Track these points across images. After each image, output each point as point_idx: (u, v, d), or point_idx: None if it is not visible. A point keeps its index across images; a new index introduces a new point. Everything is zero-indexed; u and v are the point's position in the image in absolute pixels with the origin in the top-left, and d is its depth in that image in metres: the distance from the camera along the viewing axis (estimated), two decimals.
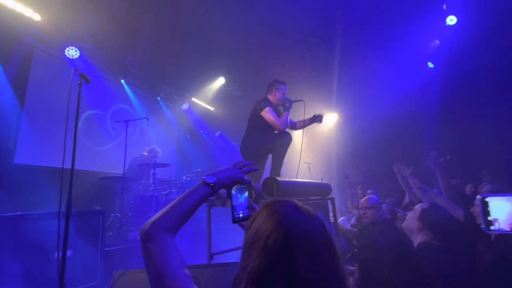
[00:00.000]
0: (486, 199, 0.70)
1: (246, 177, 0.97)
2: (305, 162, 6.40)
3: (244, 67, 6.59)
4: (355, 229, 3.25)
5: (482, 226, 0.70)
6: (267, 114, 2.85)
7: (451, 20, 5.39)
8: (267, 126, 2.89)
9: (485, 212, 0.70)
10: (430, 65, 6.49)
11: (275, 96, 3.06)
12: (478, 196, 0.71)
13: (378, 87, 6.97)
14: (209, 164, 7.16)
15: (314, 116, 3.14)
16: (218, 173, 0.94)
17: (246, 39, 5.52)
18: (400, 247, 1.66)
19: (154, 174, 4.82)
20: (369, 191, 4.15)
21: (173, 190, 5.01)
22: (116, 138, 5.86)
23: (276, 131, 2.94)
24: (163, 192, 4.88)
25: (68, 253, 2.50)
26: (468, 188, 4.73)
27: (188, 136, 6.84)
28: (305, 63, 6.25)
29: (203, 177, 0.87)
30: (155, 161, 4.70)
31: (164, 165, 4.81)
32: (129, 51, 5.89)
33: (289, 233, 0.60)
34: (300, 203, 0.68)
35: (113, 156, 5.53)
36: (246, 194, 0.95)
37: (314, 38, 5.96)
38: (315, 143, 8.08)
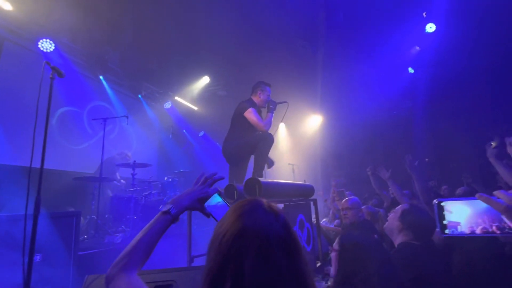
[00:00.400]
0: (442, 204, 0.75)
1: (211, 189, 0.99)
2: (289, 164, 6.55)
3: (229, 67, 6.57)
4: (339, 228, 3.30)
5: (437, 229, 0.73)
6: (250, 115, 2.88)
7: (430, 27, 5.65)
8: (250, 127, 2.92)
9: (441, 216, 0.74)
10: (411, 70, 6.73)
11: (259, 97, 3.09)
12: (434, 201, 0.74)
13: (361, 90, 7.16)
14: (192, 165, 7.12)
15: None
16: (177, 199, 0.96)
17: (232, 39, 5.51)
18: (380, 247, 1.70)
19: (133, 175, 4.69)
20: (347, 192, 4.23)
21: (153, 191, 4.93)
22: (93, 136, 5.69)
23: (258, 132, 2.96)
24: (143, 193, 4.79)
25: (37, 257, 2.37)
26: (443, 189, 4.93)
27: (171, 135, 6.76)
28: (290, 64, 6.33)
29: (160, 207, 0.89)
30: (134, 161, 4.58)
31: (144, 165, 4.70)
32: (108, 46, 5.70)
33: (243, 231, 0.58)
34: (267, 202, 0.66)
35: (89, 155, 5.39)
36: (220, 200, 0.94)
37: (298, 39, 6.04)
38: (300, 144, 8.24)
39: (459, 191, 4.01)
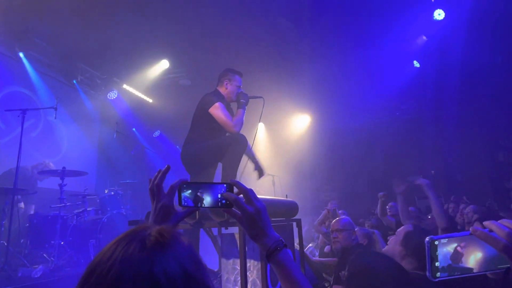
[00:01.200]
0: (436, 242, 0.76)
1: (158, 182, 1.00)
2: (268, 174, 6.52)
3: (196, 50, 6.50)
4: (333, 259, 3.32)
5: (428, 274, 0.76)
6: (217, 111, 2.89)
7: (439, 14, 5.89)
8: (217, 127, 2.94)
9: (433, 257, 0.76)
10: (416, 64, 6.97)
11: (226, 88, 3.12)
12: (426, 239, 0.77)
13: (358, 86, 7.36)
14: (142, 174, 6.95)
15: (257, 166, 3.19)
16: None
17: (201, 16, 5.53)
18: (400, 270, 1.70)
19: (61, 186, 4.48)
20: (339, 211, 4.34)
21: (89, 208, 4.84)
22: (7, 134, 5.56)
23: (227, 133, 2.99)
24: (75, 211, 4.73)
25: None
26: (450, 207, 5.19)
27: (115, 135, 6.55)
28: (271, 50, 6.36)
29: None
30: (64, 168, 4.40)
31: (77, 173, 4.62)
32: (34, 14, 5.41)
33: (89, 275, 0.55)
34: (162, 231, 0.62)
35: (1, 159, 5.24)
36: (188, 191, 0.97)
37: (282, 20, 6.09)
38: (282, 150, 8.35)
39: (468, 209, 4.19)
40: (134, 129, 7.81)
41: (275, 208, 2.67)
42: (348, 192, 7.17)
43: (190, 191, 0.96)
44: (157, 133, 7.98)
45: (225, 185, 0.94)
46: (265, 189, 6.57)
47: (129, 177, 6.39)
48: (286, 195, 3.16)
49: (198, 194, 0.96)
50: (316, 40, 6.38)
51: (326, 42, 6.41)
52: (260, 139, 8.50)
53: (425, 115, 7.47)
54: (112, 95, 7.27)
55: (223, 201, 0.93)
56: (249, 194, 0.92)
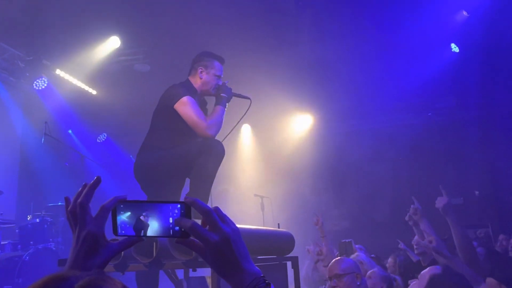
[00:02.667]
0: None
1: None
2: (255, 195, 6.49)
3: (158, 24, 6.50)
4: None
5: None
6: (185, 107, 2.91)
7: None
8: (184, 129, 2.96)
9: None
10: (455, 48, 7.00)
11: (201, 78, 3.14)
12: None
13: (375, 80, 7.35)
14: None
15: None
16: None
17: None
18: None
19: None
20: (356, 246, 4.34)
21: (3, 242, 4.81)
22: None
23: (199, 138, 3.01)
24: None
25: None
26: (500, 241, 5.27)
27: (43, 139, 6.31)
28: (262, 31, 6.33)
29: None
30: None
31: None
32: None
33: None
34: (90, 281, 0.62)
35: None
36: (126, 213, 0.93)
37: None
38: (274, 162, 8.24)
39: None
40: (70, 131, 7.74)
41: (264, 241, 2.70)
42: (365, 219, 7.13)
43: (129, 213, 0.92)
44: (102, 137, 7.93)
45: (178, 205, 0.91)
46: (250, 215, 6.57)
47: (62, 198, 6.19)
48: (279, 224, 3.17)
49: (142, 218, 0.91)
50: (321, 15, 6.39)
51: (335, 20, 6.43)
52: (244, 146, 8.44)
53: (467, 116, 7.49)
54: (40, 84, 7.13)
55: (176, 228, 0.89)
56: (212, 216, 0.87)
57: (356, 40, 6.83)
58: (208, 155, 2.77)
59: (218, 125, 2.95)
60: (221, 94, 3.04)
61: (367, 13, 6.37)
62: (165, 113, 2.98)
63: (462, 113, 7.55)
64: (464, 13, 6.46)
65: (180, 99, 2.89)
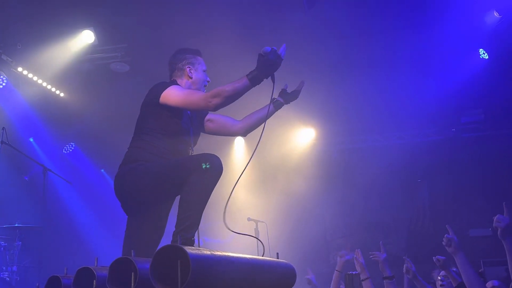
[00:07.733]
0: None
1: None
2: (249, 219, 6.68)
3: (140, 17, 6.48)
4: None
5: None
6: (172, 91, 2.95)
7: None
8: (176, 131, 3.04)
9: None
10: (483, 54, 6.88)
11: (191, 77, 3.25)
12: None
13: (390, 89, 7.33)
14: (42, 214, 6.67)
15: (282, 90, 3.30)
16: None
17: None
18: None
19: None
20: None
21: None
22: None
23: (191, 151, 3.11)
24: None
25: None
26: None
27: (0, 148, 6.36)
28: (257, 25, 6.37)
29: None
30: None
31: None
32: None
33: None
34: None
35: None
36: None
37: None
38: (272, 182, 8.43)
39: None
40: (31, 139, 7.82)
41: (258, 274, 2.65)
42: (377, 251, 6.97)
43: None
44: (69, 148, 7.87)
45: None
46: (243, 242, 6.30)
47: (20, 219, 6.46)
48: (277, 254, 3.10)
49: None
50: (328, 18, 6.29)
51: (343, 21, 6.37)
52: (237, 161, 8.42)
53: (499, 132, 7.43)
54: None
55: None
56: None
57: (368, 44, 6.87)
58: (202, 174, 2.68)
59: (227, 97, 2.74)
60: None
61: (386, 15, 6.35)
62: (149, 114, 3.04)
63: (492, 128, 7.53)
64: (496, 14, 6.33)
65: (165, 89, 2.94)
